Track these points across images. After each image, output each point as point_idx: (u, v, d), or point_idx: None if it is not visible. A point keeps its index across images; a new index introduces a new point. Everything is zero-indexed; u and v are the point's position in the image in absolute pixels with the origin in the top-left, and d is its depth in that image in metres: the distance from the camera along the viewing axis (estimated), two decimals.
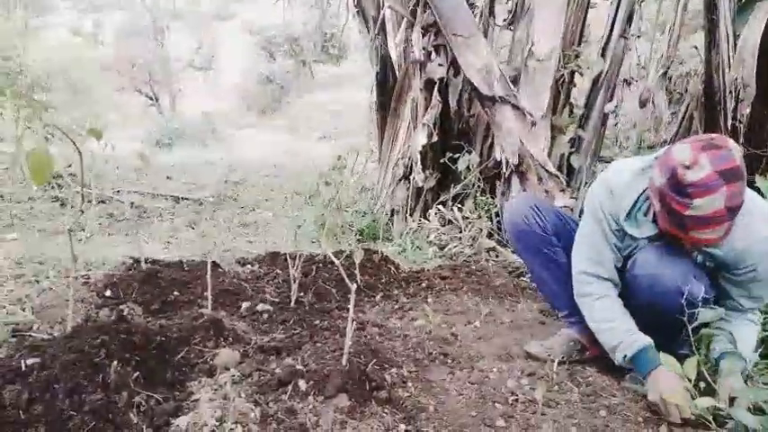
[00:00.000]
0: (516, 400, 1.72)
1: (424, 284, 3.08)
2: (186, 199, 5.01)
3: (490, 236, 3.84)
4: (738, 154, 1.44)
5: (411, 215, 4.33)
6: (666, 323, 1.66)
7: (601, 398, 1.79)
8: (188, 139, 12.01)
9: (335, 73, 19.46)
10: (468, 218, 4.03)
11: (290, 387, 1.53)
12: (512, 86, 3.56)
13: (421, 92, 3.99)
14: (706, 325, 1.57)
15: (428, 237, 4.11)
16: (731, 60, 3.76)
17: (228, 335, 1.94)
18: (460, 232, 4.00)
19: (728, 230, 1.50)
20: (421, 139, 3.87)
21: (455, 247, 3.87)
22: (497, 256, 3.66)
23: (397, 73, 4.51)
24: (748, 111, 3.56)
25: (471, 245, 3.79)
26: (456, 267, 3.44)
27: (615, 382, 1.91)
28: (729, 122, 3.63)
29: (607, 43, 4.15)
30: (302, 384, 1.54)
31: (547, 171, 3.51)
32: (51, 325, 1.83)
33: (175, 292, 2.25)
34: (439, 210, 4.17)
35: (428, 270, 3.36)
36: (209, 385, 1.60)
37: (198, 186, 5.92)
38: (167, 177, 6.11)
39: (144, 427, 1.34)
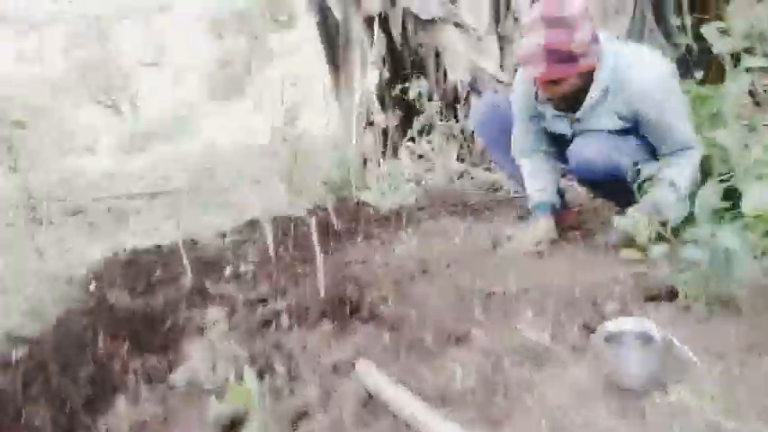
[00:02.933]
0: (493, 293, 1.80)
1: (404, 219, 3.14)
2: (162, 193, 5.02)
3: (462, 160, 3.88)
4: (573, 7, 1.68)
5: (383, 157, 4.35)
6: (616, 190, 1.93)
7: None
8: (156, 138, 11.86)
9: (291, 39, 18.98)
10: (436, 148, 4.06)
11: (273, 324, 1.60)
12: (450, 5, 3.53)
13: (364, 30, 3.94)
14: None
15: (404, 174, 4.15)
16: None
17: (215, 297, 2.00)
18: (433, 164, 4.04)
19: (555, 71, 1.74)
20: (372, 78, 3.85)
21: (430, 179, 3.92)
22: (472, 178, 3.71)
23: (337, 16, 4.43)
24: None
25: (445, 173, 3.83)
26: (434, 197, 3.49)
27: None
28: None
29: None
30: (285, 320, 1.61)
31: (502, 83, 3.52)
32: (40, 324, 1.89)
33: (157, 272, 2.30)
34: (408, 146, 4.20)
35: (407, 205, 3.41)
36: (200, 342, 1.66)
37: (173, 180, 5.91)
38: (140, 178, 6.10)
39: (142, 384, 1.41)
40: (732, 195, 1.91)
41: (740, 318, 1.33)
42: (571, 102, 1.90)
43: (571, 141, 2.04)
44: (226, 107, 16.83)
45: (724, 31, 2.05)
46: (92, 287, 2.22)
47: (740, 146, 2.00)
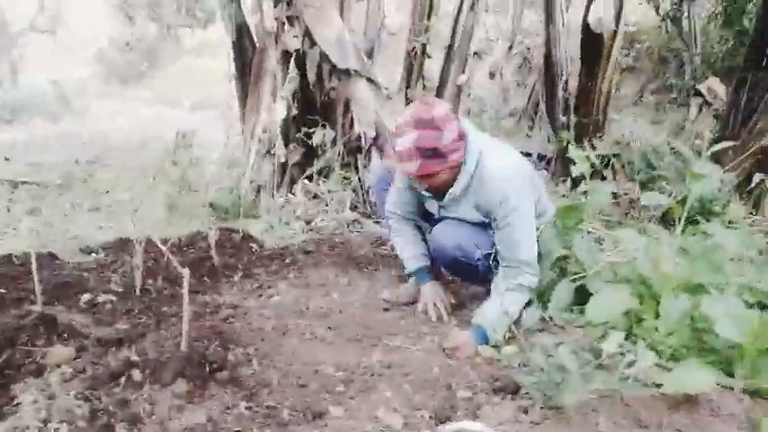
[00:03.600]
0: (358, 364, 1.84)
1: (287, 261, 3.11)
2: (27, 183, 4.55)
3: (354, 208, 3.95)
4: (439, 111, 1.86)
5: (278, 190, 4.31)
6: (468, 274, 2.26)
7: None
8: (35, 113, 10.74)
9: (204, 38, 18.28)
10: (332, 191, 4.11)
11: (123, 379, 1.51)
12: (366, 59, 3.64)
13: (278, 64, 3.93)
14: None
15: (295, 212, 4.14)
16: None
17: (63, 330, 1.84)
18: (326, 206, 4.07)
19: (427, 168, 1.91)
20: (280, 112, 3.84)
21: (321, 221, 3.93)
22: (361, 228, 3.78)
23: (255, 42, 4.39)
24: (576, 83, 3.97)
25: (336, 218, 3.88)
26: (321, 241, 3.50)
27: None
28: (561, 94, 4.02)
29: (458, 16, 4.35)
30: (137, 374, 1.52)
31: None
32: None
33: (1, 290, 2.07)
34: (305, 184, 4.20)
35: (293, 246, 3.39)
36: (35, 386, 1.52)
37: (44, 168, 5.38)
38: (5, 159, 5.48)
39: None
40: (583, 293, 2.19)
41: (569, 427, 1.48)
42: (440, 190, 2.08)
43: (436, 222, 2.23)
44: (122, 92, 15.73)
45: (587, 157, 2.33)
46: None
47: (591, 254, 2.27)
